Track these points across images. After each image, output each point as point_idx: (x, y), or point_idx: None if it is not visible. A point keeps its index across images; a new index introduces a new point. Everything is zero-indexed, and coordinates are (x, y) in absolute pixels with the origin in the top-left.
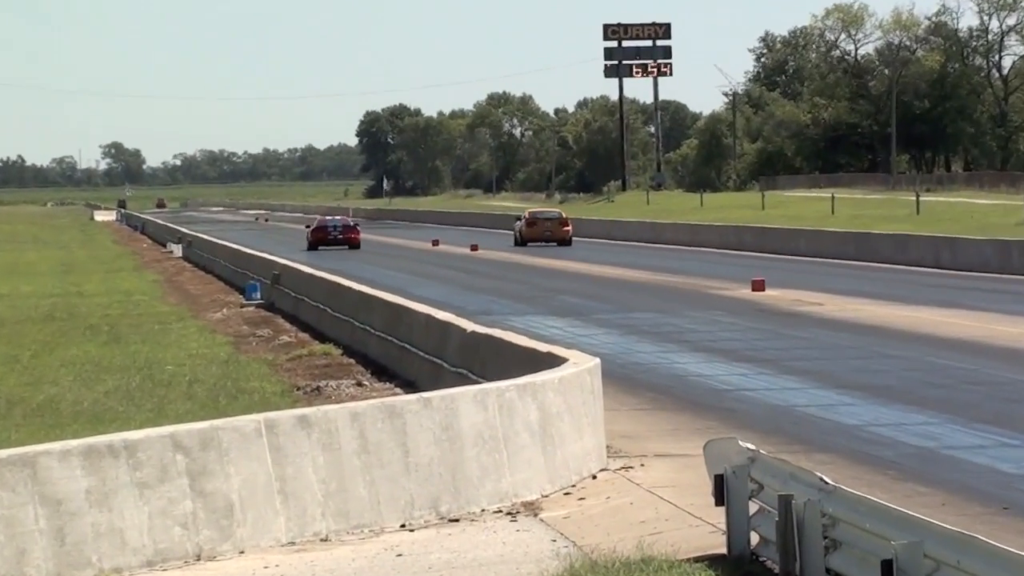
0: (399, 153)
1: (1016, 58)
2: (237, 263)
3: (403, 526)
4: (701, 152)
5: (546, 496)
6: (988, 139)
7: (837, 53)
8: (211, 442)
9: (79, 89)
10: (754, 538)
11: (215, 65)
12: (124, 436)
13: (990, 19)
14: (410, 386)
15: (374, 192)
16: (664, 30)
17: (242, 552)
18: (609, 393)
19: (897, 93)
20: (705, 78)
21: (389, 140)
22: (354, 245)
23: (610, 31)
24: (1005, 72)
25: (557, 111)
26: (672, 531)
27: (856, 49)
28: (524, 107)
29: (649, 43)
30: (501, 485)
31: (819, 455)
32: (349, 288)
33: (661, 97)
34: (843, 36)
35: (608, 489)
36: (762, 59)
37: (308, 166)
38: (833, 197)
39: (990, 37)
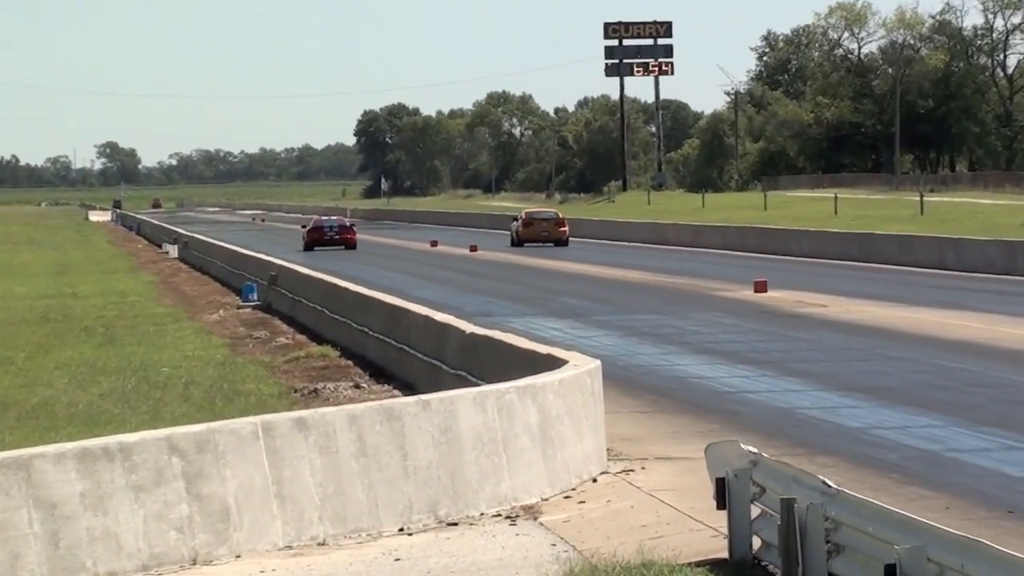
0: (397, 153)
1: (1021, 57)
2: (234, 264)
3: (401, 530)
4: (703, 152)
5: (546, 500)
6: (993, 139)
7: (840, 52)
8: (207, 445)
9: (74, 88)
10: (756, 542)
11: (211, 64)
12: (119, 439)
13: (995, 17)
14: (409, 388)
15: (372, 192)
16: (665, 28)
17: (238, 556)
18: (610, 395)
19: (901, 92)
20: (707, 77)
21: (387, 140)
22: (350, 245)
23: (611, 29)
24: (1010, 71)
25: (557, 110)
26: (673, 535)
27: (859, 48)
28: (524, 106)
29: (650, 42)
30: (500, 488)
31: (822, 458)
32: (347, 289)
33: (662, 96)
34: (846, 35)
35: (608, 492)
36: (764, 58)
37: (305, 166)
38: (836, 197)
39: (995, 36)
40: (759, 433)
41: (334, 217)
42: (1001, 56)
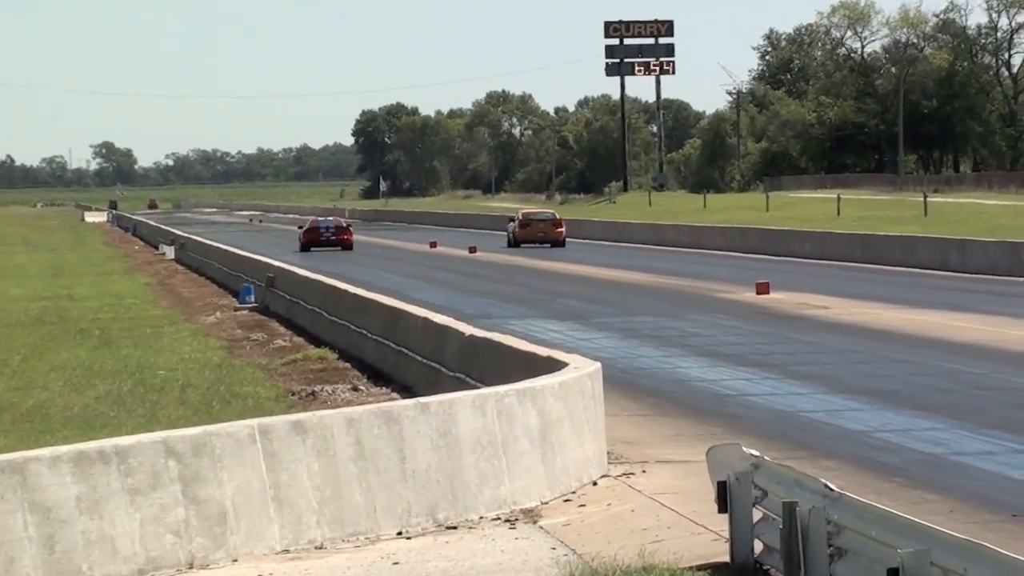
0: (396, 153)
1: None
2: (231, 265)
3: (400, 534)
4: (704, 152)
5: (546, 503)
6: (997, 139)
7: (843, 51)
8: (204, 448)
9: (70, 87)
10: (758, 546)
11: (208, 63)
12: (115, 442)
13: (999, 16)
14: (407, 391)
15: (370, 193)
16: (667, 27)
17: (235, 560)
18: (610, 398)
19: (904, 92)
20: (708, 77)
21: (386, 140)
22: (347, 246)
23: (612, 28)
24: (1015, 70)
25: (557, 110)
26: (674, 539)
27: (862, 47)
28: (524, 106)
29: (651, 41)
30: (500, 492)
31: (824, 461)
32: (345, 291)
33: (663, 96)
34: (849, 34)
35: (609, 496)
36: (767, 57)
37: (303, 166)
38: (839, 198)
39: (999, 35)
40: (761, 436)
41: (330, 218)
42: (1006, 55)
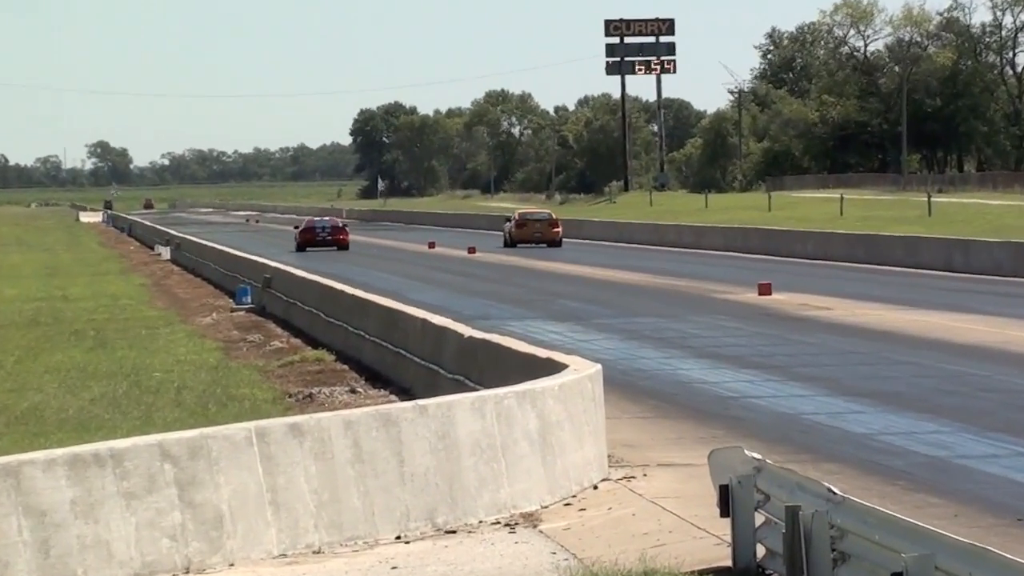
0: (394, 152)
1: None
2: (227, 266)
3: (398, 538)
4: (706, 152)
5: (545, 507)
6: (1002, 138)
7: (846, 50)
8: (200, 451)
9: (64, 86)
10: (760, 550)
11: (204, 62)
12: (110, 445)
13: (1004, 15)
14: (405, 393)
15: (368, 193)
16: (667, 26)
17: (232, 565)
18: (611, 400)
19: (908, 91)
20: (710, 75)
21: (384, 139)
22: (342, 246)
23: (612, 27)
24: (1019, 69)
25: (557, 109)
26: (676, 543)
27: (865, 46)
28: (523, 105)
29: (652, 39)
30: (499, 495)
31: (827, 465)
32: (343, 292)
33: (664, 95)
34: (852, 32)
35: (610, 500)
36: (769, 56)
37: (300, 166)
38: (842, 198)
39: (1004, 33)
40: (763, 439)
41: (326, 218)
42: (1010, 54)
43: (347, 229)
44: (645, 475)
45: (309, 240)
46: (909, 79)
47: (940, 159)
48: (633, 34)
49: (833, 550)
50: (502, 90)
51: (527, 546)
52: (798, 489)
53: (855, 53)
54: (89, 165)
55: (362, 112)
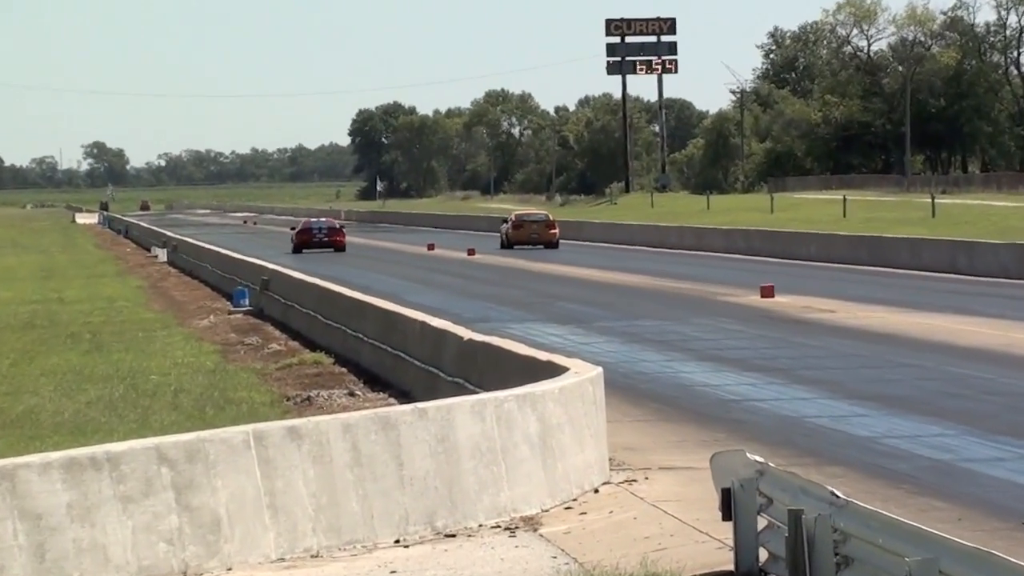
0: (393, 153)
1: None
2: (224, 268)
3: (397, 542)
4: (707, 152)
5: (546, 511)
6: (1006, 139)
7: (849, 49)
8: (197, 454)
9: (60, 87)
10: (763, 554)
11: (201, 62)
12: (107, 448)
13: (1008, 14)
14: (405, 396)
15: (367, 194)
16: (669, 25)
17: (230, 569)
18: (612, 404)
19: (912, 91)
20: (712, 75)
21: (383, 139)
22: (339, 248)
23: (613, 26)
24: None
25: (558, 109)
26: (677, 547)
27: (869, 45)
28: (523, 105)
29: (653, 39)
30: (499, 499)
31: (831, 468)
32: (341, 294)
33: (666, 95)
34: (855, 32)
35: (611, 503)
36: (771, 56)
37: (298, 167)
38: (845, 199)
39: (1008, 33)
40: (766, 442)
41: (323, 219)
42: (1015, 54)
43: (344, 230)
44: (647, 478)
45: (305, 241)
46: (913, 79)
47: (944, 160)
48: (634, 33)
49: (836, 554)
50: (502, 90)
51: (527, 550)
52: (801, 493)
53: (858, 53)
54: (85, 166)
55: (361, 112)
